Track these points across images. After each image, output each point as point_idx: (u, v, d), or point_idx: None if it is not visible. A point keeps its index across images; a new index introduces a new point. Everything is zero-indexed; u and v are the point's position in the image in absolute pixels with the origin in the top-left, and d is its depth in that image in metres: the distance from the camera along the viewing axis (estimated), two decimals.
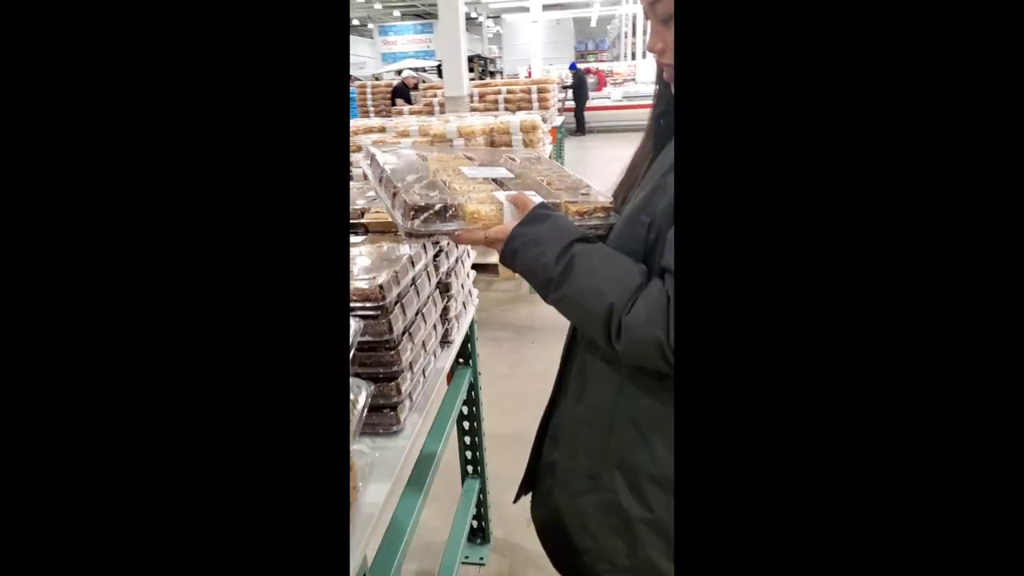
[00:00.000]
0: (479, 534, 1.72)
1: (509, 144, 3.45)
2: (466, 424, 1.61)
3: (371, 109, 7.39)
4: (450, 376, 1.51)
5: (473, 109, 5.64)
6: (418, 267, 0.99)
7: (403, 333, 0.91)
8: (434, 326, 1.09)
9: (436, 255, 1.12)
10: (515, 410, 2.33)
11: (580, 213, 0.85)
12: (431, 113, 5.85)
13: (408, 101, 6.89)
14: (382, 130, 3.87)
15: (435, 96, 6.11)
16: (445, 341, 1.20)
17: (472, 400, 1.58)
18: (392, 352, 0.87)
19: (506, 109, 5.66)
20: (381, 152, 0.95)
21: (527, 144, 3.44)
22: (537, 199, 0.83)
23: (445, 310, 1.18)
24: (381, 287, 0.84)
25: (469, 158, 1.01)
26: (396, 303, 0.89)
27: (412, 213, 0.75)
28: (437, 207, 0.76)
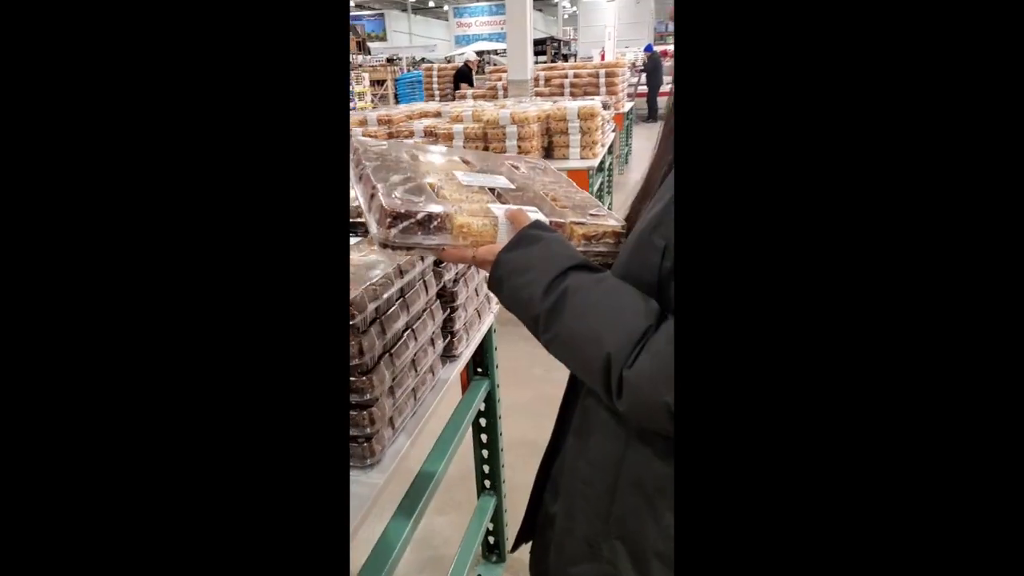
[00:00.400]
0: (495, 551, 1.62)
1: (565, 132, 3.28)
2: (483, 437, 1.51)
3: (436, 92, 7.36)
4: (466, 385, 1.40)
5: (538, 93, 5.48)
6: (408, 276, 0.88)
7: (381, 355, 0.81)
8: (431, 341, 0.98)
9: (439, 261, 1.01)
10: (549, 416, 2.20)
11: (587, 237, 0.71)
12: (495, 97, 5.74)
13: (471, 84, 6.80)
14: (437, 115, 3.80)
15: (499, 79, 5.99)
16: (449, 355, 1.09)
17: (490, 412, 1.47)
18: (364, 378, 0.77)
19: (571, 94, 5.47)
20: (365, 147, 0.84)
21: (584, 132, 3.26)
22: (538, 217, 0.69)
23: (450, 321, 1.06)
24: (351, 304, 0.73)
25: (467, 162, 0.89)
26: (372, 322, 0.78)
27: (389, 220, 0.64)
28: (420, 215, 0.64)
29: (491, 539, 1.62)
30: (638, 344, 0.54)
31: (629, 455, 0.66)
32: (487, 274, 0.67)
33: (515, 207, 0.70)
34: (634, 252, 0.63)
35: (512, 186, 0.81)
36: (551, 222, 0.70)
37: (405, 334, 0.87)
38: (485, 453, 1.53)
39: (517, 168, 0.93)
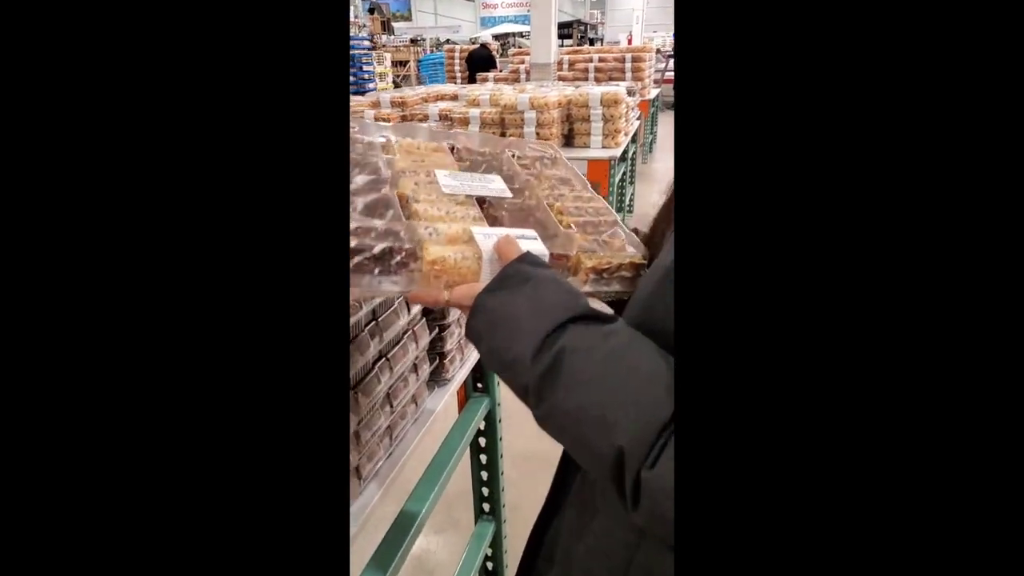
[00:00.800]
0: None
1: (587, 119, 3.09)
2: (482, 458, 1.37)
3: (458, 74, 7.19)
4: (463, 404, 1.26)
5: (561, 78, 5.28)
6: (381, 297, 0.73)
7: None
8: (414, 367, 0.83)
9: None
10: None
11: (597, 271, 0.55)
12: (517, 80, 5.55)
13: (493, 67, 6.60)
14: (454, 98, 3.64)
15: (522, 62, 5.78)
16: (439, 380, 0.95)
17: (489, 432, 1.33)
18: None
19: (596, 79, 5.24)
20: None
21: (607, 119, 3.06)
22: (535, 246, 0.54)
23: (439, 341, 0.92)
24: None
25: (457, 150, 0.73)
26: None
27: None
28: (376, 249, 0.49)
29: (489, 565, 1.49)
30: (661, 434, 0.39)
31: (645, 546, 0.51)
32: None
33: (505, 234, 0.54)
34: (657, 292, 0.47)
35: (509, 194, 0.66)
36: (551, 256, 0.54)
37: (377, 365, 0.73)
38: (484, 475, 1.39)
39: (518, 159, 0.77)
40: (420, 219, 0.56)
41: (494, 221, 0.62)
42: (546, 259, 0.54)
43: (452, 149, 0.74)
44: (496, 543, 1.44)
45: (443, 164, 0.68)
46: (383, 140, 0.70)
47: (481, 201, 0.64)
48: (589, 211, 0.66)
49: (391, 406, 0.77)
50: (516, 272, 0.48)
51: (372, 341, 0.71)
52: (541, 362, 0.43)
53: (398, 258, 0.50)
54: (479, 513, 1.44)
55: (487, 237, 0.54)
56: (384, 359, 0.75)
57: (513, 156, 0.77)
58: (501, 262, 0.50)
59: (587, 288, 0.55)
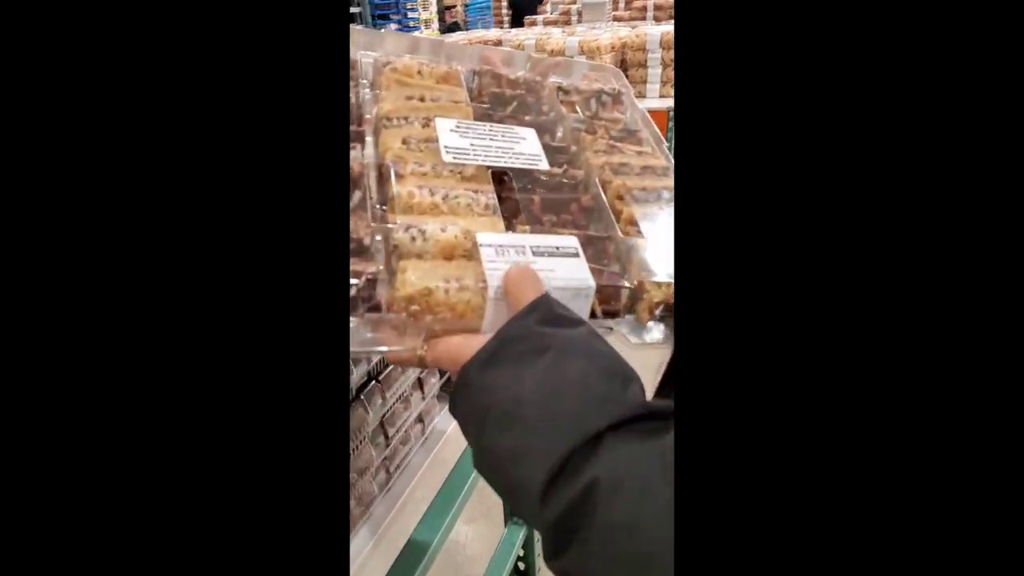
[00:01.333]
0: None
1: (644, 64, 2.78)
2: None
3: (505, 18, 6.81)
4: None
5: (617, 18, 4.88)
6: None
7: None
8: (417, 384, 0.67)
9: None
10: None
11: (669, 308, 0.37)
12: (567, 23, 5.18)
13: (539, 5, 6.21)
14: (498, 43, 3.37)
15: (574, 2, 5.38)
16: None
17: None
18: None
19: (655, 18, 4.81)
20: None
21: (667, 64, 2.75)
22: (572, 269, 0.36)
23: None
24: None
25: (479, 77, 0.52)
26: None
27: None
28: None
29: (521, 565, 1.37)
30: None
31: None
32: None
33: (523, 253, 0.35)
34: None
35: (544, 162, 0.46)
36: (601, 288, 0.36)
37: (364, 391, 0.57)
38: None
39: (568, 93, 0.56)
40: (401, 210, 0.38)
41: (517, 208, 0.43)
42: (590, 292, 0.35)
43: (476, 76, 0.53)
44: (528, 546, 1.31)
45: (453, 103, 0.48)
46: (371, 59, 0.51)
47: (502, 172, 0.45)
48: (664, 195, 0.46)
49: (386, 436, 0.62)
50: (525, 335, 0.30)
51: (356, 365, 0.55)
52: (558, 499, 0.26)
53: (353, 289, 0.33)
54: (509, 515, 1.31)
55: (500, 253, 0.35)
56: (374, 382, 0.59)
57: (558, 90, 0.56)
58: (509, 308, 0.32)
59: (648, 336, 0.37)
